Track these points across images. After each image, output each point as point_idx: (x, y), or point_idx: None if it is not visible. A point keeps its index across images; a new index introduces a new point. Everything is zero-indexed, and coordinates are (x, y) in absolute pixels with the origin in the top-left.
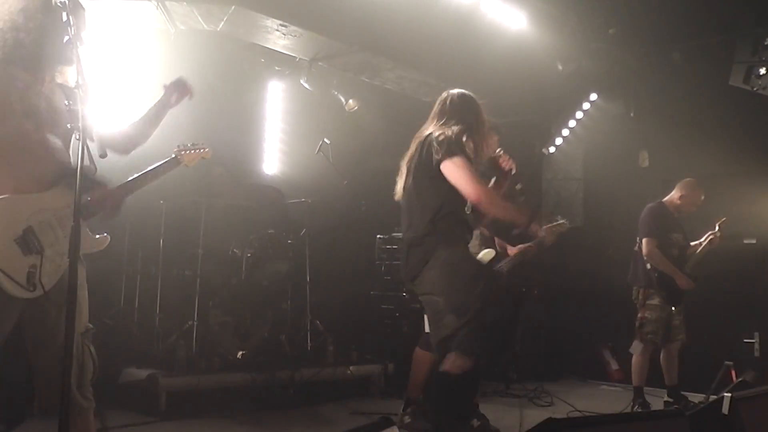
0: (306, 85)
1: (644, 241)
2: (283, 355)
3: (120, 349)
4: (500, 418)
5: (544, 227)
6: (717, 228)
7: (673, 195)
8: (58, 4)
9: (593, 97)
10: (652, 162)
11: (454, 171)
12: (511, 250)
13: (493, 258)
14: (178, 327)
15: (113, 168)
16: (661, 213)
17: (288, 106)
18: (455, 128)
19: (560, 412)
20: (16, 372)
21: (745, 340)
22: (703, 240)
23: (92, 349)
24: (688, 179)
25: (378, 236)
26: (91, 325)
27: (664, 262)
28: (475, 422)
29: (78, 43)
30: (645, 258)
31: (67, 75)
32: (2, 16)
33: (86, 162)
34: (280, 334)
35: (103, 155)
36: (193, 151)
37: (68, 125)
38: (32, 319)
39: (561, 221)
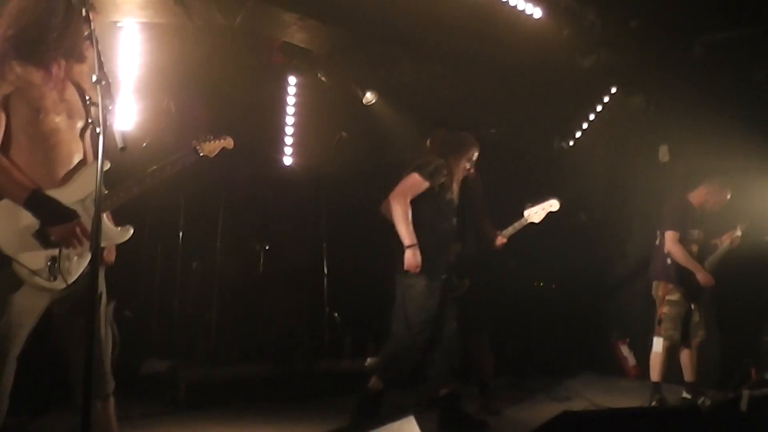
0: (323, 79)
1: (667, 234)
2: (301, 347)
3: (141, 341)
4: (516, 412)
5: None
6: (738, 229)
7: (699, 191)
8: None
9: (613, 90)
10: (673, 157)
11: None
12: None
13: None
14: (198, 319)
15: (128, 162)
16: (684, 207)
17: (305, 99)
18: None
19: (577, 406)
20: (38, 363)
21: (766, 338)
22: (724, 238)
23: (114, 327)
24: (716, 177)
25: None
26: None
27: (685, 256)
28: None
29: (96, 39)
30: (666, 252)
31: (85, 71)
32: (19, 13)
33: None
34: (298, 326)
35: (123, 149)
36: (212, 142)
37: (88, 120)
38: (61, 313)
39: (549, 202)
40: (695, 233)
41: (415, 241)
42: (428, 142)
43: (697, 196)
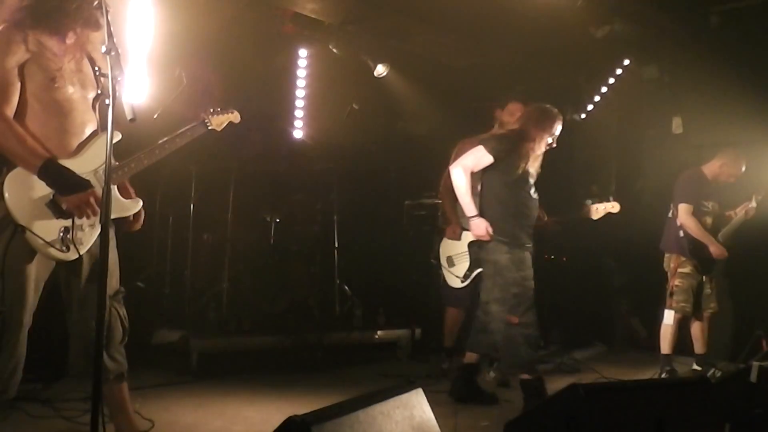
0: (334, 50)
1: (680, 206)
2: (312, 318)
3: (152, 311)
4: None
5: (593, 207)
6: (753, 200)
7: (713, 163)
8: None
9: (626, 62)
10: (686, 128)
11: None
12: (545, 221)
13: None
14: (209, 290)
15: (142, 133)
16: (698, 179)
17: (316, 71)
18: None
19: (587, 378)
20: (54, 331)
21: None
22: (738, 210)
23: (122, 312)
24: (730, 149)
25: (406, 202)
26: (122, 288)
27: (698, 228)
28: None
29: (107, 9)
30: (679, 224)
31: (96, 41)
32: None
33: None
34: (309, 298)
35: (132, 120)
36: (221, 115)
37: (98, 91)
38: (66, 281)
39: (612, 203)
40: (709, 205)
41: (476, 212)
42: (502, 114)
43: (711, 169)
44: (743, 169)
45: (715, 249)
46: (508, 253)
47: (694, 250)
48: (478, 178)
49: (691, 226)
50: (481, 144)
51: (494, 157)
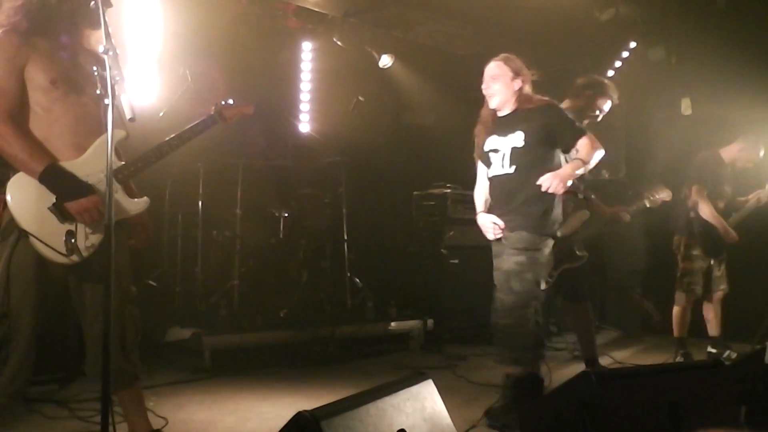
0: (339, 43)
1: (694, 188)
2: (324, 312)
3: (164, 310)
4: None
5: (650, 197)
6: (766, 187)
7: (732, 147)
8: None
9: (632, 45)
10: (695, 110)
11: None
12: (606, 211)
13: (587, 220)
14: (220, 287)
15: (151, 129)
16: (715, 162)
17: (321, 64)
18: None
19: (600, 364)
20: (68, 332)
21: None
22: (751, 197)
23: (135, 312)
24: (751, 133)
25: (415, 192)
26: (134, 288)
27: (711, 211)
28: None
29: (105, 7)
30: (690, 205)
31: (95, 40)
32: None
33: (119, 128)
34: (320, 292)
35: (132, 119)
36: (233, 107)
37: (98, 91)
38: (77, 284)
39: (664, 193)
40: (724, 189)
41: None
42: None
43: (729, 152)
44: (762, 154)
45: (726, 233)
46: None
47: (704, 233)
48: None
49: (705, 209)
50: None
51: None
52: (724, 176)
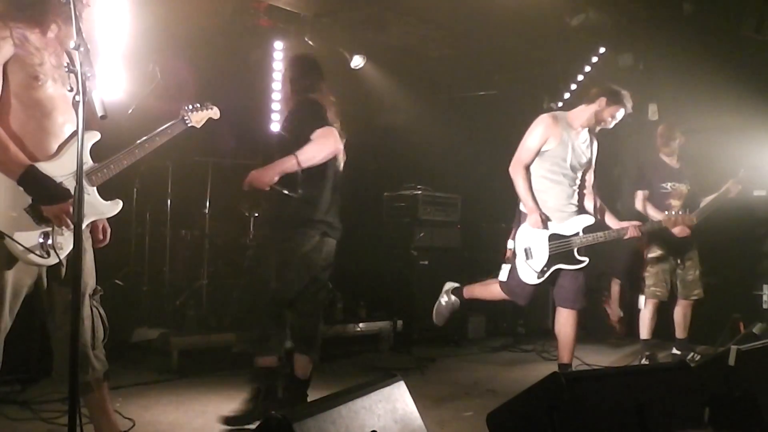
0: (310, 42)
1: (635, 194)
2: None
3: (131, 310)
4: (508, 372)
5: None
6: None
7: (657, 142)
8: None
9: (602, 50)
10: (662, 115)
11: None
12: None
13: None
14: (188, 287)
15: (118, 129)
16: (651, 164)
17: None
18: None
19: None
20: (31, 334)
21: (754, 293)
22: (721, 191)
23: (102, 311)
24: (664, 123)
25: (385, 193)
26: (99, 288)
27: (651, 213)
28: None
29: (76, 3)
30: (640, 210)
31: (66, 36)
32: None
33: (91, 126)
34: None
35: (104, 117)
36: (200, 111)
37: (68, 87)
38: (47, 285)
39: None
40: (671, 186)
41: None
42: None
43: (661, 149)
44: (677, 138)
45: (676, 229)
46: None
47: (659, 234)
48: None
49: (645, 212)
50: None
51: None
52: (666, 174)
